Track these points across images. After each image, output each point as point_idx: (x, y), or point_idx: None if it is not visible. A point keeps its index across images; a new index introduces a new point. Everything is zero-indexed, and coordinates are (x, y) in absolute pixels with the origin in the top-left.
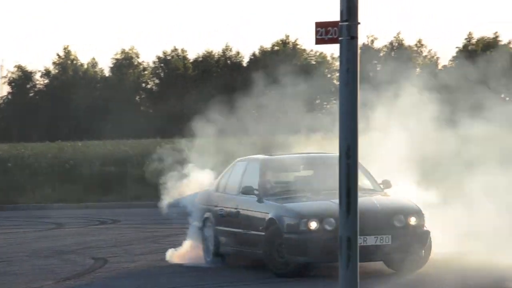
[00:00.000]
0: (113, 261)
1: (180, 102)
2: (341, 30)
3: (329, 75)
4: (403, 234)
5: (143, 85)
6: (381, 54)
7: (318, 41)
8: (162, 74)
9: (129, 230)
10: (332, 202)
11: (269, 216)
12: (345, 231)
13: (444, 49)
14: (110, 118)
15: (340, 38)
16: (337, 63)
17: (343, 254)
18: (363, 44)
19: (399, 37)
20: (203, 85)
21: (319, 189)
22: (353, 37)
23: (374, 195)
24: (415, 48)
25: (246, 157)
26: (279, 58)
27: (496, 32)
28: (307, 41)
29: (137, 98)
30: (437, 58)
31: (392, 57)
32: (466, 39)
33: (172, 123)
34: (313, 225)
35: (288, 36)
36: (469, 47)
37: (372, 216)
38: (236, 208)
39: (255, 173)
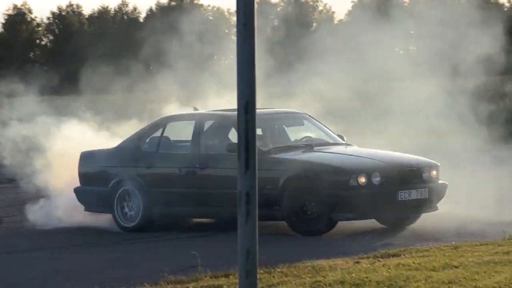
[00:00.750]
0: (7, 220)
1: (76, 59)
2: None
3: (226, 31)
4: (434, 187)
5: (37, 41)
6: (279, 9)
7: None
8: (56, 31)
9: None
10: (365, 157)
11: (289, 172)
12: (244, 186)
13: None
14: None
15: None
16: (234, 18)
17: (242, 210)
18: None
19: None
20: (99, 41)
21: (311, 144)
22: None
23: (348, 147)
24: (311, 3)
25: (198, 113)
26: (175, 14)
27: None
28: None
29: (31, 54)
30: (333, 12)
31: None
32: None
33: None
34: (363, 180)
35: None
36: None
37: (410, 171)
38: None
39: (226, 132)
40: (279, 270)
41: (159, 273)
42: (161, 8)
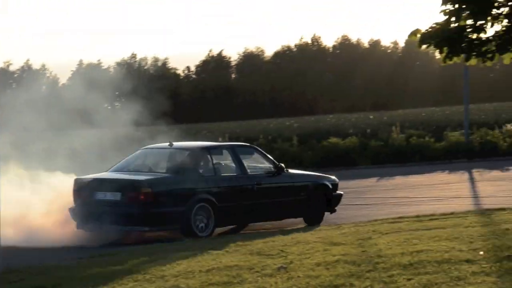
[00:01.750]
0: None
1: None
2: None
3: None
4: None
5: None
6: (16, 75)
7: None
8: None
9: None
10: None
11: (309, 182)
12: None
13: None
14: None
15: None
16: None
17: None
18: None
19: (28, 62)
20: None
21: None
22: None
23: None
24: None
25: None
26: None
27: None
28: None
29: None
30: (58, 77)
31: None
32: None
33: None
34: None
35: None
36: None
37: None
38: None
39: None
40: None
41: None
42: None
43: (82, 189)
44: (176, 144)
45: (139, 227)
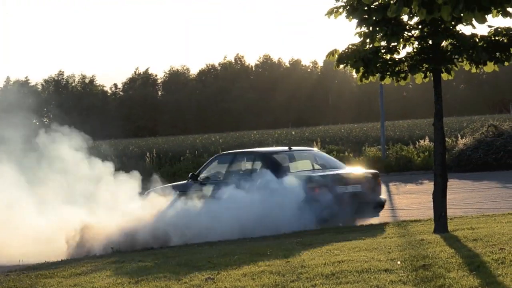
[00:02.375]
0: None
1: None
2: None
3: None
4: None
5: None
6: None
7: None
8: None
9: None
10: None
11: None
12: None
13: None
14: None
15: None
16: None
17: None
18: None
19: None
20: None
21: None
22: None
23: None
24: None
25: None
26: None
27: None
28: None
29: None
30: None
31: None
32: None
33: None
34: None
35: None
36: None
37: None
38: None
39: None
40: None
41: None
42: None
43: None
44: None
45: None
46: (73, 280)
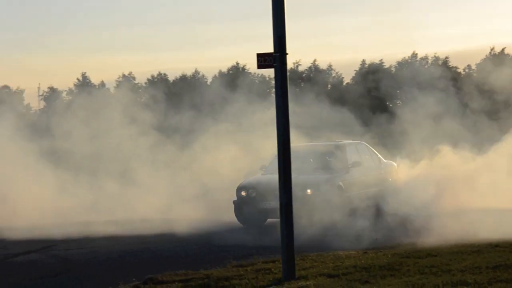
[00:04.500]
0: None
1: None
2: (275, 59)
3: (267, 90)
4: None
5: None
6: (304, 75)
7: (260, 67)
8: None
9: None
10: None
11: None
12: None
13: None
14: None
15: (274, 65)
16: (273, 82)
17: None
18: (291, 68)
19: (315, 62)
20: None
21: None
22: (283, 64)
23: None
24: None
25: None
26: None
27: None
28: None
29: None
30: (342, 77)
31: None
32: (361, 63)
33: None
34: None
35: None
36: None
37: None
38: None
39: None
40: (310, 257)
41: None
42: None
43: None
44: None
45: None
46: (428, 261)
